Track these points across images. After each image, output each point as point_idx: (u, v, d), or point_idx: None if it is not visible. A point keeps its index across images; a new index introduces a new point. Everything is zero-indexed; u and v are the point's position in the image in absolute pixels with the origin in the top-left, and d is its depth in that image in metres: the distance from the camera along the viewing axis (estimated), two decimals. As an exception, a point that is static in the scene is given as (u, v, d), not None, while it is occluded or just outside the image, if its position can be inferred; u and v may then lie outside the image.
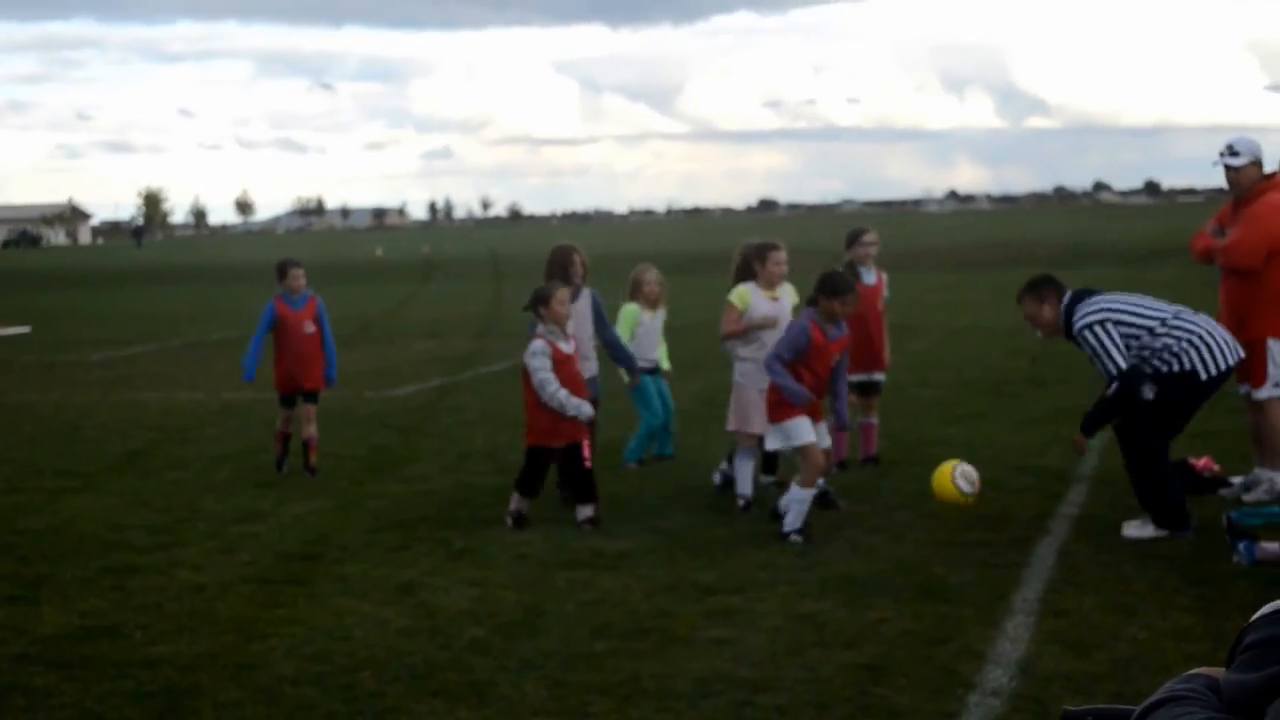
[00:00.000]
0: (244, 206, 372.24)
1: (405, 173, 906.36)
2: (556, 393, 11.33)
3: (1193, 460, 12.23)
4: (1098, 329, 10.49)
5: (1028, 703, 7.18)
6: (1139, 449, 10.64)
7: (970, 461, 11.79)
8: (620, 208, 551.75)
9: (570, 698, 7.45)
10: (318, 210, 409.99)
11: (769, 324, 12.03)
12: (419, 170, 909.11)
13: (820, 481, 11.31)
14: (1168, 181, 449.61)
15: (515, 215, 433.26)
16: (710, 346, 14.38)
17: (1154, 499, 10.54)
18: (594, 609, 9.13)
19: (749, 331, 12.05)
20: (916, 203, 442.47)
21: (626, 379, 13.67)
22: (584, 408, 11.44)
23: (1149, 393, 10.49)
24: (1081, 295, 10.76)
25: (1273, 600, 2.18)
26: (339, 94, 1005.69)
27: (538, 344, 11.44)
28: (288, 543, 11.29)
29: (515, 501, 11.53)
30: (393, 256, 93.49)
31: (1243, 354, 10.78)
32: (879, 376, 13.66)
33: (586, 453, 11.60)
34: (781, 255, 12.30)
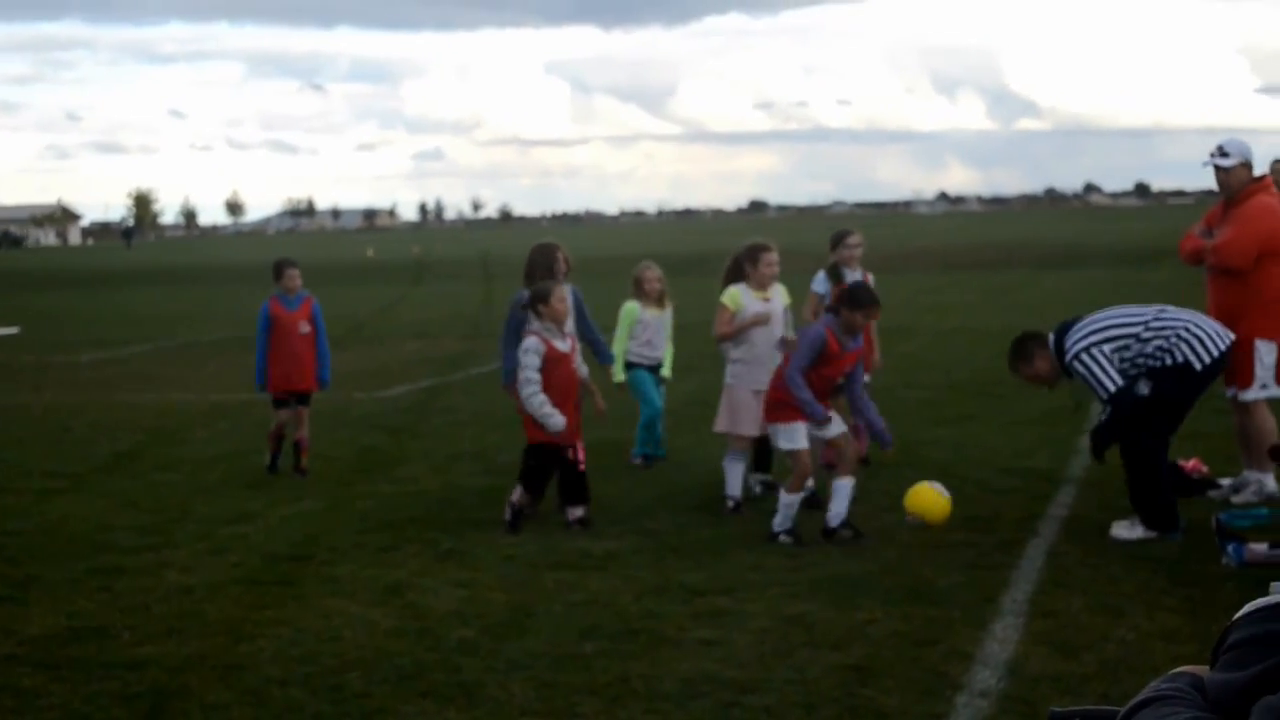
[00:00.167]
0: (234, 207, 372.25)
1: (396, 174, 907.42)
2: (534, 396, 11.27)
3: (1181, 462, 12.25)
4: (1084, 356, 10.54)
5: (1016, 704, 7.18)
6: (1138, 448, 10.66)
7: (959, 463, 11.82)
8: (611, 209, 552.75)
9: (558, 698, 7.44)
10: (308, 211, 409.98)
11: (762, 320, 12.03)
12: (410, 171, 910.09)
13: (809, 484, 11.32)
14: (1158, 183, 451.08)
15: (506, 216, 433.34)
16: (702, 348, 14.39)
17: (1147, 498, 10.56)
18: (582, 610, 9.12)
19: (742, 332, 12.05)
20: (907, 204, 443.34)
21: (618, 379, 13.71)
22: (554, 419, 11.29)
23: (1144, 388, 10.52)
24: (1065, 328, 10.82)
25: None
26: (330, 95, 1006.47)
27: (531, 341, 11.39)
28: (276, 544, 11.27)
29: (518, 494, 11.46)
30: (383, 257, 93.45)
31: (1233, 337, 10.80)
32: (866, 378, 13.64)
33: (580, 455, 11.58)
34: (773, 256, 12.29)
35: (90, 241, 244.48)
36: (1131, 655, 7.84)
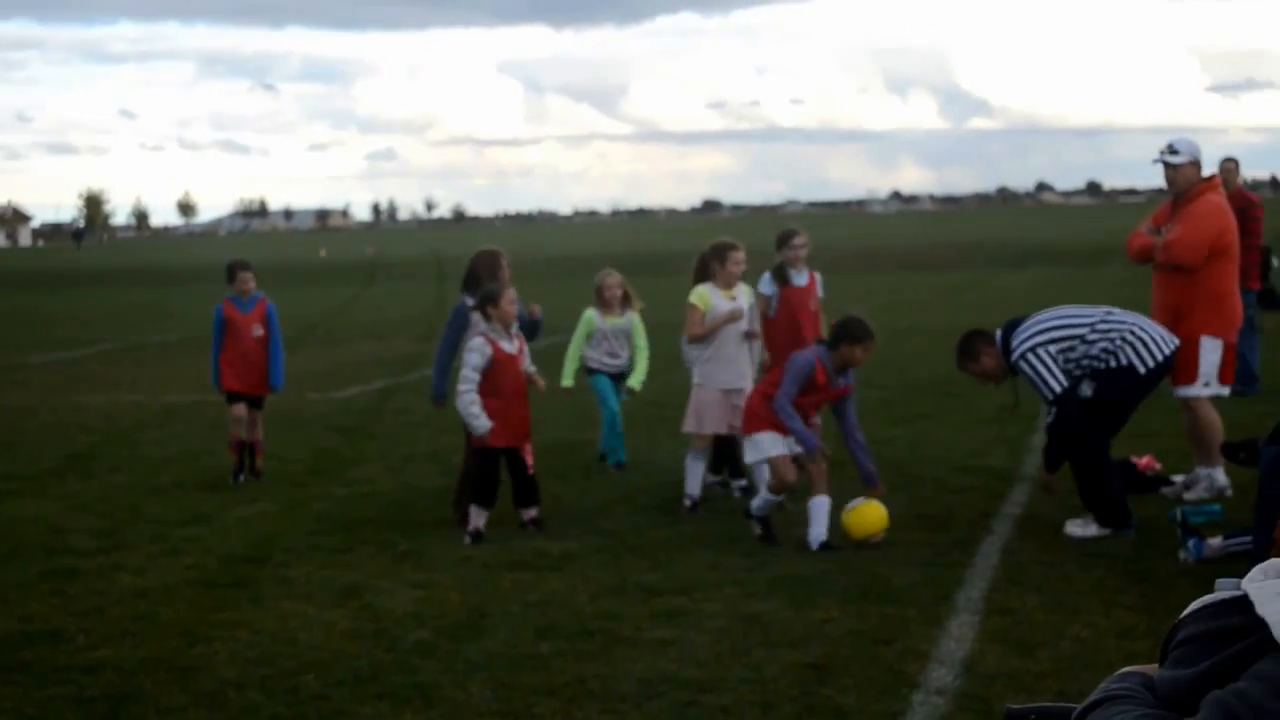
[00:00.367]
0: (186, 208, 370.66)
1: (349, 174, 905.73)
2: (466, 394, 11.18)
3: (1135, 459, 12.33)
4: (1030, 356, 10.61)
5: (972, 701, 7.21)
6: (1083, 448, 10.72)
7: (914, 462, 11.85)
8: (565, 209, 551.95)
9: (515, 699, 7.44)
10: (261, 212, 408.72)
11: (736, 318, 12.05)
12: (363, 171, 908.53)
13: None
14: (1109, 182, 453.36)
15: (459, 216, 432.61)
16: (658, 349, 14.33)
17: (1097, 497, 10.63)
18: (539, 610, 9.12)
19: (715, 331, 12.03)
20: (860, 204, 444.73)
21: (565, 383, 13.71)
22: (480, 422, 11.16)
23: (1086, 389, 10.59)
24: (1012, 326, 10.90)
25: (1212, 597, 2.20)
26: (281, 95, 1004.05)
27: (478, 341, 11.30)
28: (231, 546, 11.23)
29: (474, 518, 11.20)
30: (336, 258, 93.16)
31: (1178, 343, 10.87)
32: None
33: (529, 458, 11.53)
34: (740, 255, 12.30)
35: (41, 243, 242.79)
36: (1087, 652, 7.88)
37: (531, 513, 11.41)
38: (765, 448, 10.81)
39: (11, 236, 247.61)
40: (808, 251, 13.25)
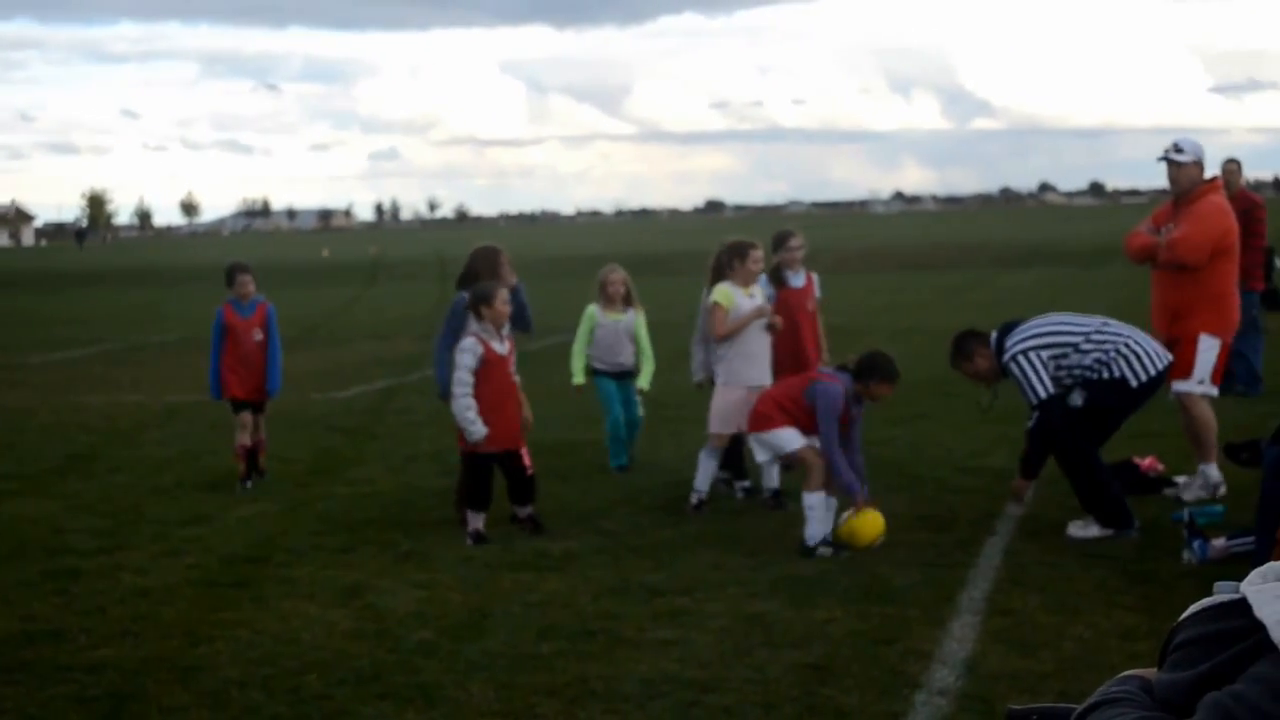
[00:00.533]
0: (189, 208, 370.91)
1: (351, 174, 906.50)
2: (462, 399, 11.07)
3: (1138, 460, 12.33)
4: (1021, 359, 10.65)
5: (974, 702, 7.21)
6: (1070, 453, 10.77)
7: (915, 462, 11.86)
8: (567, 209, 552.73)
9: (517, 699, 7.44)
10: (263, 211, 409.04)
11: (763, 314, 12.07)
12: (365, 171, 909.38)
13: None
14: (1112, 183, 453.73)
15: (462, 216, 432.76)
16: (659, 349, 14.30)
17: (1094, 499, 10.65)
18: (541, 611, 9.12)
19: (739, 329, 12.01)
20: (862, 204, 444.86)
21: (576, 381, 13.66)
22: (476, 428, 11.06)
23: (1077, 399, 10.63)
24: (1008, 329, 10.95)
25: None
26: (284, 95, 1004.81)
27: (469, 341, 11.18)
28: (233, 546, 11.23)
29: (472, 521, 11.18)
30: (339, 258, 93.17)
31: (1171, 359, 10.90)
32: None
33: (526, 459, 11.51)
34: (760, 253, 12.28)
35: (44, 242, 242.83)
36: (1089, 653, 7.88)
37: (526, 510, 11.37)
38: (787, 443, 10.77)
39: (14, 236, 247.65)
40: (804, 253, 13.21)
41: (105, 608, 9.46)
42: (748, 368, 11.97)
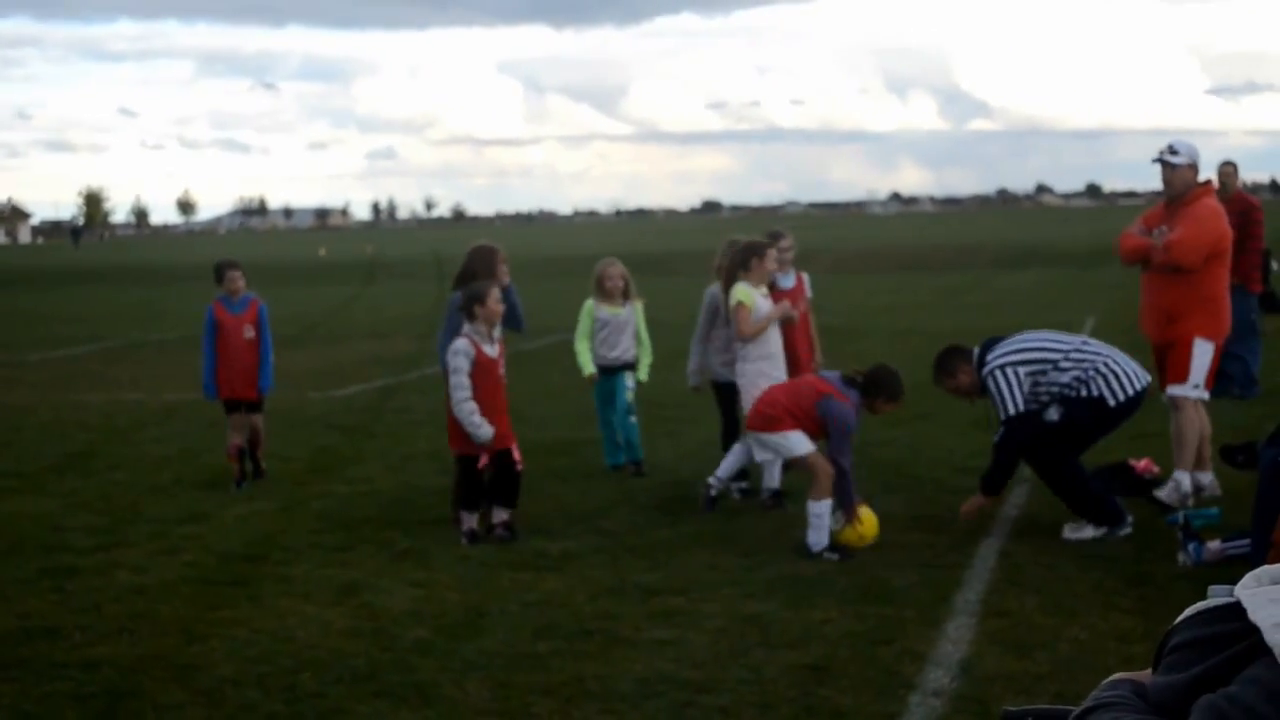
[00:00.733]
0: (186, 206, 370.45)
1: (349, 173, 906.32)
2: (464, 403, 11.01)
3: (1133, 461, 12.34)
4: (998, 374, 10.71)
5: (969, 703, 7.22)
6: (1048, 465, 10.88)
7: (913, 463, 11.87)
8: (565, 209, 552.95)
9: (513, 698, 7.45)
10: (260, 210, 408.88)
11: (786, 313, 12.14)
12: (362, 170, 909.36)
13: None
14: (1109, 184, 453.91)
15: (459, 216, 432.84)
16: (657, 349, 14.27)
17: (1081, 503, 10.71)
18: (537, 610, 9.12)
19: (763, 329, 12.00)
20: (860, 205, 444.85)
21: (587, 372, 13.58)
22: (484, 430, 11.04)
23: (1054, 414, 10.69)
24: (990, 344, 11.02)
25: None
26: (282, 94, 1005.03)
27: (461, 343, 11.12)
28: (230, 544, 11.23)
29: (465, 521, 11.16)
30: (336, 257, 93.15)
31: (1150, 380, 10.93)
32: None
33: (517, 456, 11.48)
34: (775, 253, 12.31)
35: (40, 240, 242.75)
36: (1085, 654, 7.89)
37: (504, 515, 11.21)
38: (796, 447, 10.75)
39: (11, 234, 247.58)
40: (794, 254, 13.19)
41: (102, 605, 9.47)
42: (772, 367, 11.94)
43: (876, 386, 10.86)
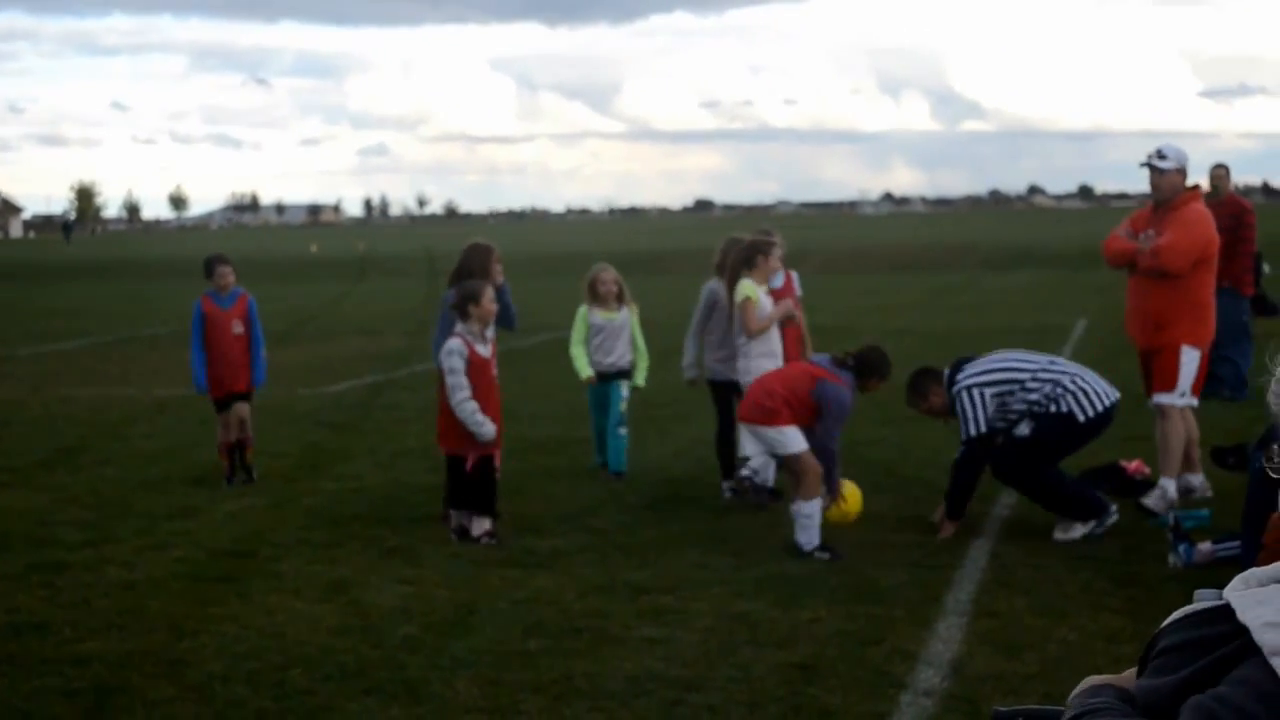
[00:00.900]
0: (178, 201, 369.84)
1: (341, 169, 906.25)
2: (466, 403, 10.96)
3: (1124, 463, 12.36)
4: (964, 395, 10.83)
5: (959, 703, 7.23)
6: (1020, 477, 10.98)
7: (903, 463, 11.89)
8: (557, 206, 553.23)
9: (503, 696, 7.45)
10: (252, 206, 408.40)
11: (788, 313, 12.25)
12: (355, 167, 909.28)
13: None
14: (1101, 186, 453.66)
15: (451, 213, 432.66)
16: (650, 348, 14.23)
17: (1060, 502, 10.81)
18: (527, 608, 9.12)
19: (769, 327, 12.03)
20: (852, 204, 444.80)
21: (585, 374, 13.52)
22: (486, 428, 11.02)
23: (1025, 429, 10.78)
24: (960, 364, 11.12)
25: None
26: (274, 89, 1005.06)
27: (455, 343, 11.08)
28: (220, 540, 11.22)
29: (455, 518, 11.15)
30: (328, 253, 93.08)
31: (1119, 397, 10.96)
32: None
33: (498, 463, 11.46)
34: (780, 251, 12.40)
35: (32, 234, 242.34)
36: (1074, 655, 7.90)
37: (485, 524, 11.06)
38: (793, 442, 10.74)
39: (2, 228, 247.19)
40: (783, 253, 13.19)
41: (91, 601, 9.46)
42: (774, 365, 11.96)
43: (868, 366, 10.97)
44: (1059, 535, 10.64)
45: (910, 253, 69.09)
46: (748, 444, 11.09)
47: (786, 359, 12.34)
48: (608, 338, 13.58)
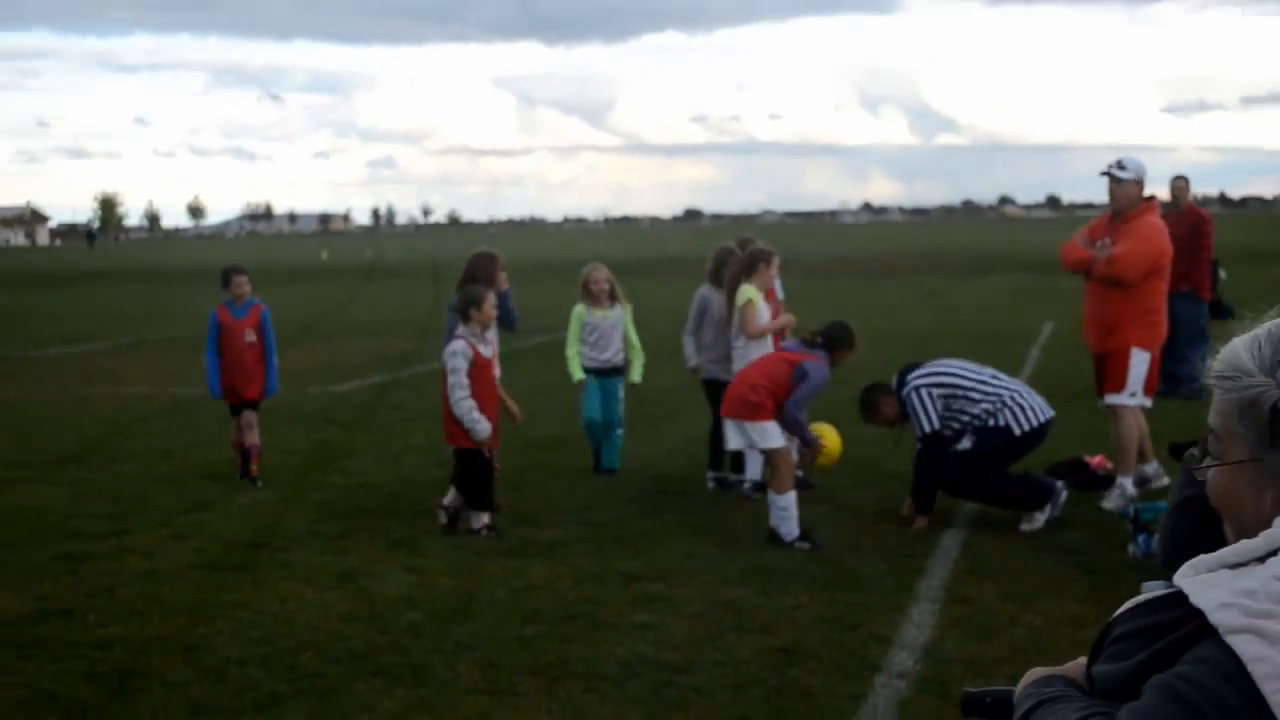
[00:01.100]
0: (196, 211, 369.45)
1: (350, 180, 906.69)
2: (464, 401, 10.93)
3: (1087, 458, 12.38)
4: (914, 396, 11.01)
5: (931, 685, 7.24)
6: (968, 487, 11.09)
7: (880, 460, 11.90)
8: (555, 215, 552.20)
9: (502, 678, 7.46)
10: (266, 215, 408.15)
11: (788, 326, 12.45)
12: (363, 178, 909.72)
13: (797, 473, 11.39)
14: (1068, 196, 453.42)
15: (454, 222, 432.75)
16: (645, 348, 14.20)
17: (1013, 500, 10.93)
18: (525, 595, 9.14)
19: (768, 332, 12.08)
20: (833, 214, 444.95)
21: (576, 377, 13.48)
22: (482, 425, 10.97)
23: (966, 443, 10.93)
24: (908, 369, 11.28)
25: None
26: (288, 105, 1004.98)
27: (459, 344, 11.06)
28: (235, 531, 11.23)
29: (451, 499, 11.16)
30: (337, 259, 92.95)
31: (1053, 414, 11.09)
32: None
33: (496, 462, 11.44)
34: (778, 260, 12.52)
35: (58, 242, 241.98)
36: (1040, 640, 7.93)
37: (484, 519, 11.05)
38: (772, 437, 10.72)
39: (30, 236, 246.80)
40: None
41: (113, 589, 9.47)
42: None
43: (835, 340, 11.06)
44: (1025, 526, 10.68)
45: (888, 259, 69.08)
46: (732, 438, 11.06)
47: None
48: (602, 335, 13.54)
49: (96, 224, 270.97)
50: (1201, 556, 2.20)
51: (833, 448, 11.29)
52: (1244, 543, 2.16)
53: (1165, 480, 11.85)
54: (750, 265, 12.28)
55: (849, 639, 8.07)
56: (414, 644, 8.10)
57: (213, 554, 10.48)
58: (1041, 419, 10.92)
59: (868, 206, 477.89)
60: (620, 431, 13.64)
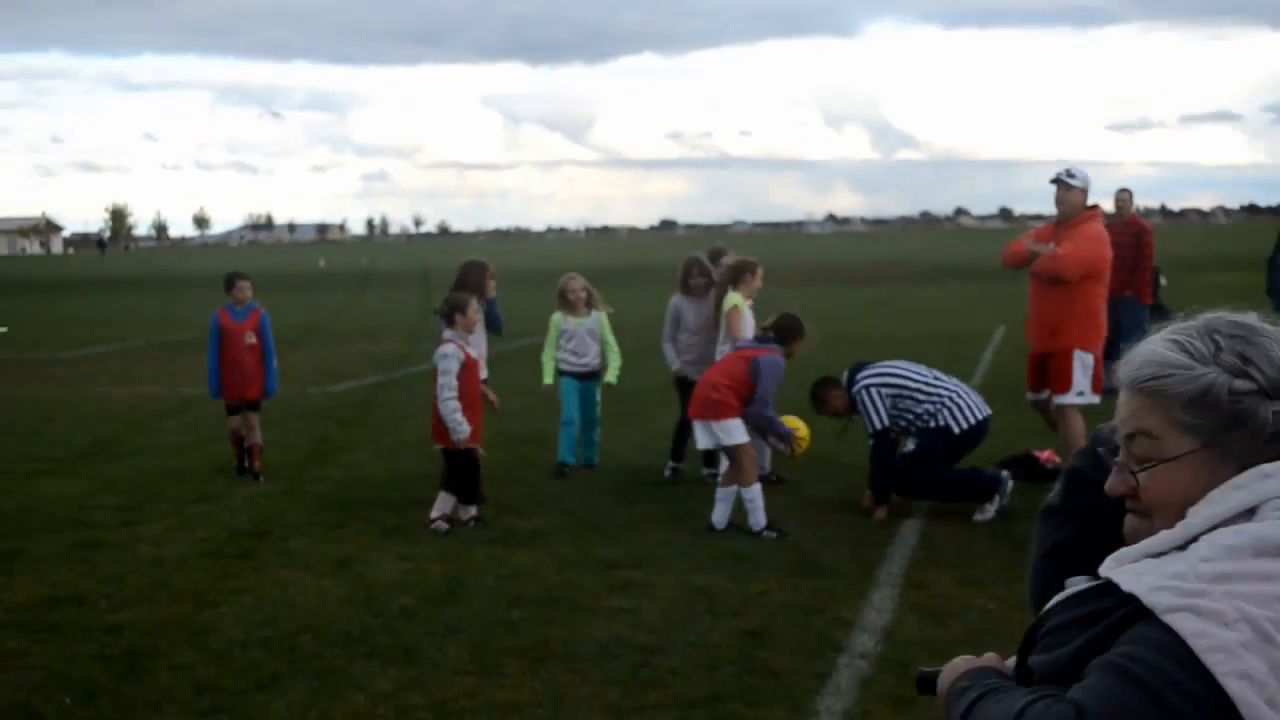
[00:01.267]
0: (201, 221, 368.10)
1: (346, 192, 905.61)
2: (449, 402, 10.83)
3: (1036, 453, 12.41)
4: (864, 394, 11.11)
5: (891, 665, 7.26)
6: (917, 487, 11.11)
7: (843, 453, 11.93)
8: (538, 226, 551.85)
9: (488, 659, 7.46)
10: (267, 225, 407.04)
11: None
12: (358, 190, 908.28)
13: (763, 468, 11.37)
14: (1019, 208, 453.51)
15: (444, 231, 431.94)
16: (621, 350, 14.20)
17: (962, 494, 10.93)
18: (510, 581, 9.13)
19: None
20: (799, 224, 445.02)
21: (546, 381, 13.47)
22: (463, 428, 10.83)
23: (910, 445, 11.00)
24: (858, 368, 11.36)
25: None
26: (287, 122, 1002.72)
27: (450, 347, 10.96)
28: (238, 521, 11.21)
29: (443, 505, 11.03)
30: (334, 267, 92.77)
31: (990, 412, 11.15)
32: None
33: (481, 450, 11.36)
34: (761, 271, 12.64)
35: (71, 251, 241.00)
36: (994, 623, 7.95)
37: (471, 511, 11.03)
38: (737, 434, 10.69)
39: (45, 245, 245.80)
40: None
41: (125, 576, 9.45)
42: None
43: (786, 331, 11.03)
44: (978, 517, 10.70)
45: (850, 267, 69.17)
46: (701, 438, 11.01)
47: None
48: (579, 341, 13.49)
49: (107, 234, 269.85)
50: (1122, 550, 2.21)
51: (805, 437, 11.32)
52: (1163, 534, 2.16)
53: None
54: (737, 275, 12.41)
55: (814, 622, 8.08)
56: (406, 627, 8.10)
57: (218, 543, 10.46)
58: (979, 416, 10.98)
59: (832, 218, 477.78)
60: (598, 429, 13.65)
